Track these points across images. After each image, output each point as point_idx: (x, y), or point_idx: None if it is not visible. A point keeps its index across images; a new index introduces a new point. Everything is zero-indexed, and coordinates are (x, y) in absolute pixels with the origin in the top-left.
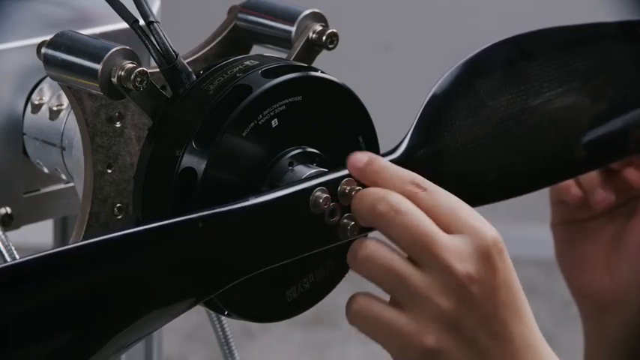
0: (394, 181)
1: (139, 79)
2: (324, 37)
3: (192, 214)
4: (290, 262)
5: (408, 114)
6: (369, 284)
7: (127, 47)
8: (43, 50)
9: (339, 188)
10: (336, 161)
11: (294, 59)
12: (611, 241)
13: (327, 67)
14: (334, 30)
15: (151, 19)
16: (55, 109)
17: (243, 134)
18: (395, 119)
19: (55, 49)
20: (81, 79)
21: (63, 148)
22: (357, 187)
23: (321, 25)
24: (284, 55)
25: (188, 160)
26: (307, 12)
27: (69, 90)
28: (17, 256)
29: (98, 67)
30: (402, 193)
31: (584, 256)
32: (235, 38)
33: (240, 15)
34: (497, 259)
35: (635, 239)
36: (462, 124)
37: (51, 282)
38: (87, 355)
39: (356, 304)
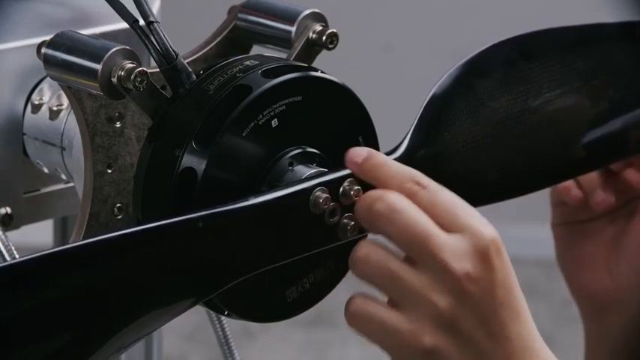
0: (393, 178)
1: (139, 79)
2: (324, 37)
3: (192, 213)
4: (290, 262)
5: (408, 114)
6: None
7: (127, 47)
8: (43, 50)
9: (339, 188)
10: (336, 161)
11: (294, 59)
12: (611, 242)
13: (327, 67)
14: (334, 30)
15: (151, 19)
16: (55, 109)
17: (243, 134)
18: (395, 119)
19: (55, 49)
20: (81, 79)
21: (63, 148)
22: (357, 187)
23: (321, 25)
24: (284, 55)
25: (188, 160)
26: (307, 12)
27: (69, 90)
28: (17, 256)
29: (98, 67)
30: (400, 191)
31: (584, 257)
32: (235, 38)
33: (240, 15)
34: (495, 258)
35: (635, 240)
36: (462, 124)
37: (49, 281)
38: (87, 354)
39: (353, 306)
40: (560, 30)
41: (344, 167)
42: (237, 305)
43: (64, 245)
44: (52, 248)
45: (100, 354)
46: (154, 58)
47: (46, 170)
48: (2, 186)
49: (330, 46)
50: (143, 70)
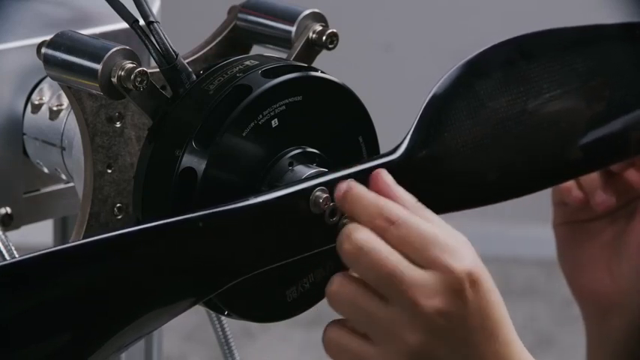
0: (365, 215)
1: (139, 79)
2: (324, 37)
3: (191, 213)
4: (290, 262)
5: (408, 114)
6: None
7: (127, 47)
8: (43, 50)
9: None
10: (336, 161)
11: (294, 59)
12: (612, 242)
13: (327, 67)
14: (334, 30)
15: (151, 19)
16: (55, 109)
17: (243, 134)
18: (395, 119)
19: (55, 49)
20: (81, 79)
21: (63, 148)
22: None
23: (321, 25)
24: (284, 55)
25: (188, 160)
26: (307, 12)
27: (69, 90)
28: (17, 256)
29: (98, 67)
30: (372, 228)
31: (585, 257)
32: (235, 38)
33: (240, 15)
34: (469, 290)
35: (636, 240)
36: (463, 125)
37: (49, 281)
38: (86, 354)
39: (327, 334)
40: (561, 30)
41: (344, 167)
42: (237, 305)
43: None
44: (51, 247)
45: (99, 353)
46: (154, 58)
47: (46, 170)
48: (2, 186)
49: (330, 46)
50: (143, 70)
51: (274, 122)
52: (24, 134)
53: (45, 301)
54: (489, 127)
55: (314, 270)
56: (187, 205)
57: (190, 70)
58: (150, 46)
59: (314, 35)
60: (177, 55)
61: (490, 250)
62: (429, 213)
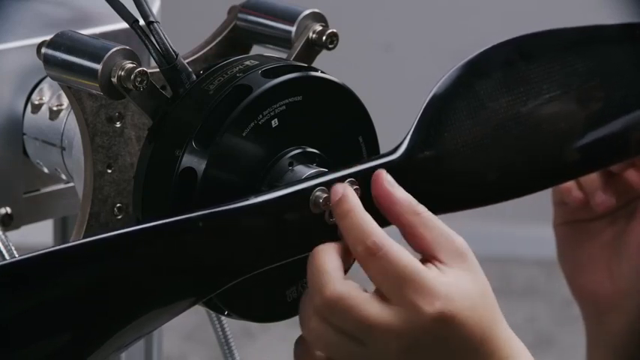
0: (350, 238)
1: (139, 79)
2: (324, 37)
3: (191, 213)
4: (290, 262)
5: (408, 114)
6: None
7: (127, 47)
8: (43, 50)
9: None
10: (336, 161)
11: (294, 59)
12: (612, 243)
13: (327, 67)
14: (334, 30)
15: (151, 19)
16: (55, 109)
17: (243, 134)
18: (395, 119)
19: (55, 49)
20: (81, 79)
21: (63, 148)
22: (356, 187)
23: (321, 25)
24: (284, 55)
25: (188, 160)
26: (307, 12)
27: (69, 90)
28: (17, 256)
29: (98, 67)
30: (353, 253)
31: (585, 257)
32: (235, 38)
33: (240, 15)
34: (440, 332)
35: (636, 240)
36: (463, 125)
37: (48, 281)
38: (86, 354)
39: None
40: (561, 31)
41: (344, 167)
42: (237, 305)
43: (63, 244)
44: (51, 247)
45: (99, 353)
46: (154, 58)
47: (46, 170)
48: (2, 186)
49: (330, 46)
50: (143, 70)
51: (274, 122)
52: (24, 134)
53: (45, 300)
54: (489, 127)
55: None
56: (187, 205)
57: (190, 70)
58: (150, 46)
59: (314, 35)
60: (177, 55)
61: (490, 250)
62: (428, 214)
